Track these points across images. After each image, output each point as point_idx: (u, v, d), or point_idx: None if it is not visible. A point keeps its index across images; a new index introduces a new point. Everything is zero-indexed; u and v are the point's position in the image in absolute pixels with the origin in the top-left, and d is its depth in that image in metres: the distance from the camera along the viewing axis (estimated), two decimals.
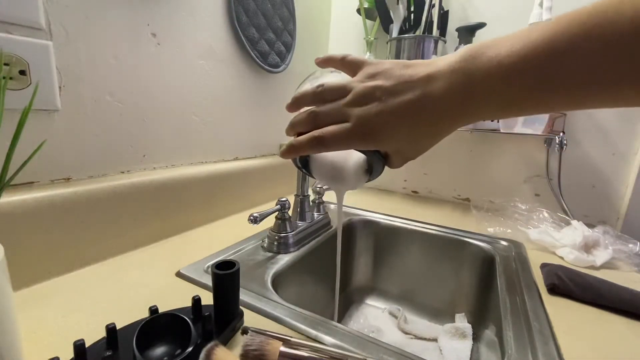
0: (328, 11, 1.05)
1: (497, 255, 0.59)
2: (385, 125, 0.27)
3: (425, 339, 0.62)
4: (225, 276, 0.33)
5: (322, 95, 0.30)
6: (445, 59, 0.26)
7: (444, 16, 0.83)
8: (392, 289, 0.76)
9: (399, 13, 0.85)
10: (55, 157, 0.44)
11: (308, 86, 0.32)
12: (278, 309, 0.38)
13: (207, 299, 0.34)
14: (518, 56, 0.22)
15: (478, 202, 0.81)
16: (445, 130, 0.28)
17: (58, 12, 0.41)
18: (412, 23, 0.84)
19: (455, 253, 0.67)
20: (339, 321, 0.54)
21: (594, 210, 0.81)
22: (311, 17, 0.95)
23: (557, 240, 0.61)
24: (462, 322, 0.63)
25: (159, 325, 0.30)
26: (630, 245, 0.60)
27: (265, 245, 0.56)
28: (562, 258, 0.58)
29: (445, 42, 0.84)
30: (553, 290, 0.47)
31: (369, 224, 0.76)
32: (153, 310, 0.32)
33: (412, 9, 0.83)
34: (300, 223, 0.59)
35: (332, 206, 0.80)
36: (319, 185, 0.68)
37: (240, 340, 0.29)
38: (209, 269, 0.46)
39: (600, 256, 0.57)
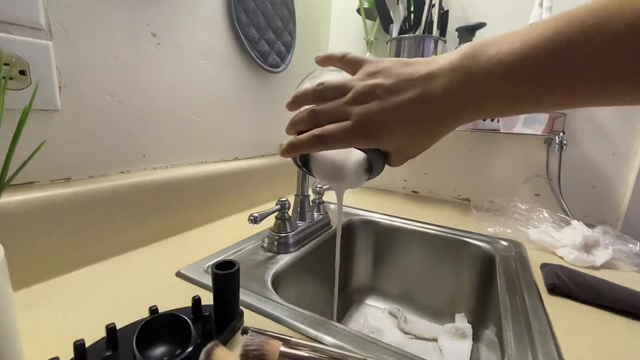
0: (328, 11, 1.05)
1: (497, 255, 0.59)
2: (386, 124, 0.27)
3: (425, 339, 0.62)
4: (225, 276, 0.33)
5: (323, 93, 0.30)
6: (445, 57, 0.26)
7: (443, 16, 0.83)
8: (392, 289, 0.76)
9: (399, 13, 0.85)
10: (55, 157, 0.44)
11: (308, 85, 0.32)
12: (278, 309, 0.38)
13: (207, 299, 0.34)
14: (518, 54, 0.22)
15: (478, 202, 0.81)
16: (446, 129, 0.28)
17: (58, 12, 0.41)
18: (412, 23, 0.84)
19: (455, 253, 0.67)
20: (339, 321, 0.54)
21: (594, 210, 0.81)
22: (311, 17, 0.95)
23: (557, 240, 0.61)
24: (462, 322, 0.63)
25: (159, 325, 0.30)
26: (630, 245, 0.60)
27: (265, 245, 0.56)
28: (562, 258, 0.58)
29: (445, 42, 0.84)
30: (553, 290, 0.47)
31: (369, 224, 0.76)
32: (153, 310, 0.32)
33: (412, 9, 0.83)
34: (300, 223, 0.59)
35: (332, 206, 0.80)
36: (319, 185, 0.68)
37: (240, 340, 0.29)
38: (209, 269, 0.46)
39: (600, 256, 0.57)
